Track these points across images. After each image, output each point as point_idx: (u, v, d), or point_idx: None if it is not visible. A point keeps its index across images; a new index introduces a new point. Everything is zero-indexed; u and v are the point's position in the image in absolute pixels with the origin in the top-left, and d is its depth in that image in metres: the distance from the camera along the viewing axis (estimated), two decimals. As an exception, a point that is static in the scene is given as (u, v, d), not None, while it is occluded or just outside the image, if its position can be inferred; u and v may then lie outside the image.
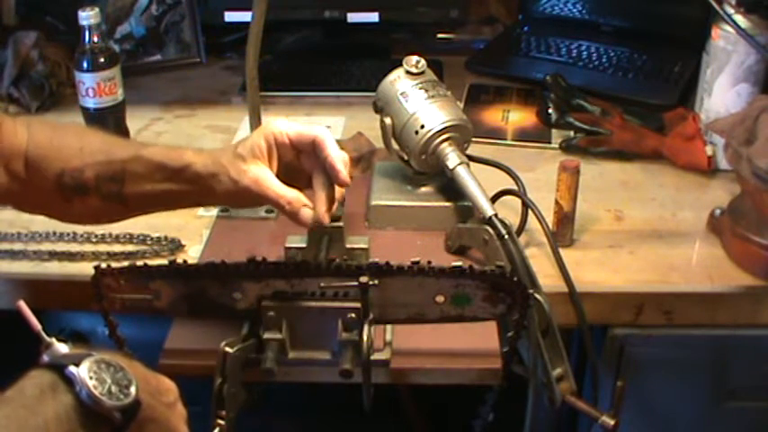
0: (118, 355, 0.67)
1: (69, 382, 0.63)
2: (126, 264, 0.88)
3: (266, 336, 0.88)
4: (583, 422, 1.19)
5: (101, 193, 0.87)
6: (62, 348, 0.65)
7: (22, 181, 0.87)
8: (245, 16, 1.30)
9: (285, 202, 0.85)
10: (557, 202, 1.11)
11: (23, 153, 0.87)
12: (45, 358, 0.65)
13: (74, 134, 0.90)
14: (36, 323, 0.67)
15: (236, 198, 0.87)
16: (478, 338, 0.95)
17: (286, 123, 0.88)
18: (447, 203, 1.16)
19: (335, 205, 0.90)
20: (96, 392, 0.62)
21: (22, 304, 0.68)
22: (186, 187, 0.88)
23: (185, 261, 0.87)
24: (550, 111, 1.41)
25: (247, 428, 0.94)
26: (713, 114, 1.28)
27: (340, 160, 0.86)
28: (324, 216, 0.87)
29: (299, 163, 0.89)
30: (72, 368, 0.63)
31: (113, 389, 0.64)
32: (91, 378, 0.63)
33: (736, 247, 1.10)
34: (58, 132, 0.90)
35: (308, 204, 0.86)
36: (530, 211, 1.11)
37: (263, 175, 0.86)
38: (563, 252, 1.08)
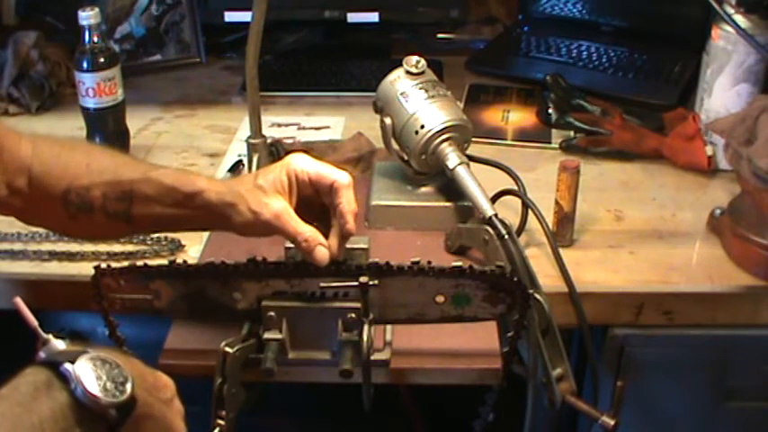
0: (114, 352, 0.67)
1: (64, 379, 0.63)
2: (126, 264, 0.88)
3: (266, 336, 0.88)
4: (583, 422, 1.19)
5: (107, 212, 0.87)
6: (59, 345, 0.65)
7: (25, 196, 0.86)
8: (245, 16, 1.30)
9: (302, 239, 0.85)
10: (557, 202, 1.11)
11: (27, 169, 0.86)
12: (41, 355, 0.65)
13: (81, 151, 0.90)
14: (33, 319, 0.67)
15: (252, 229, 0.87)
16: (478, 338, 0.95)
17: (308, 161, 0.89)
18: (447, 203, 1.16)
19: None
20: (91, 390, 0.62)
21: (19, 301, 0.68)
22: (196, 213, 0.87)
23: (185, 261, 0.87)
24: (550, 111, 1.41)
25: (247, 428, 0.94)
26: (713, 114, 1.28)
27: (350, 211, 0.87)
28: (337, 250, 0.87)
29: (317, 198, 0.89)
30: (67, 365, 0.63)
31: (109, 386, 0.63)
32: (86, 375, 0.63)
33: (736, 247, 1.10)
34: (65, 149, 0.89)
35: (324, 243, 0.86)
36: (530, 211, 1.11)
37: (284, 210, 0.85)
38: (563, 252, 1.08)
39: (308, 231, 0.86)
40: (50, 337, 0.65)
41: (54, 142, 0.90)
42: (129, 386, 0.65)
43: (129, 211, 0.87)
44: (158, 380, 0.72)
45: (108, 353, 0.66)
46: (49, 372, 0.63)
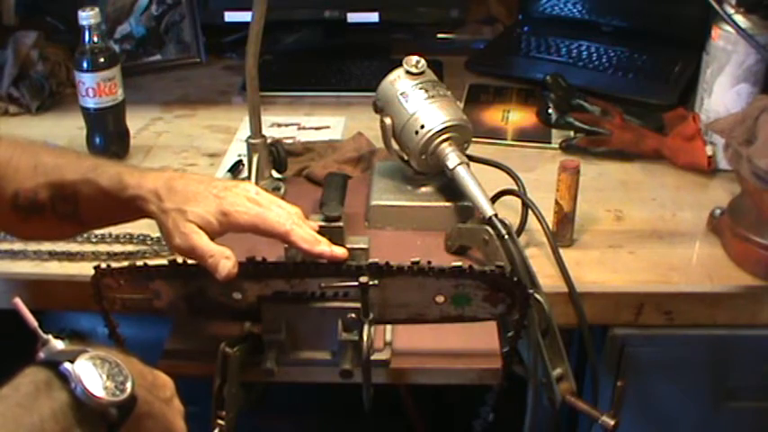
0: (114, 351, 0.67)
1: (64, 379, 0.62)
2: (126, 264, 0.89)
3: (266, 336, 0.88)
4: (583, 422, 1.19)
5: (57, 213, 0.87)
6: (58, 345, 0.65)
7: None
8: (245, 16, 1.30)
9: (208, 256, 0.84)
10: (557, 202, 1.11)
11: None
12: (41, 355, 0.64)
13: (31, 152, 0.89)
14: (32, 320, 0.67)
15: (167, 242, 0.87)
16: (478, 338, 0.95)
17: (252, 214, 0.86)
18: (447, 203, 1.16)
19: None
20: (91, 389, 0.62)
21: (18, 301, 0.68)
22: (136, 216, 0.88)
23: (185, 261, 0.87)
24: (550, 111, 1.41)
25: (247, 428, 0.94)
26: (713, 114, 1.28)
27: (316, 246, 0.86)
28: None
29: None
30: (67, 365, 0.63)
31: (109, 385, 0.63)
32: (86, 374, 0.62)
33: (736, 247, 1.10)
34: (18, 151, 0.88)
35: (231, 257, 0.84)
36: (530, 211, 1.11)
37: (195, 233, 0.84)
38: (563, 252, 1.08)
39: (214, 248, 0.84)
40: (50, 337, 0.65)
41: (11, 144, 0.89)
42: (129, 385, 0.65)
43: (77, 211, 0.87)
44: (158, 378, 0.72)
45: (107, 352, 0.66)
46: (48, 371, 0.63)
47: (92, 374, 0.63)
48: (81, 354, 0.64)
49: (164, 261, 0.88)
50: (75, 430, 0.62)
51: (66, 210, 0.87)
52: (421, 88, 1.14)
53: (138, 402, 0.66)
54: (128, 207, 0.86)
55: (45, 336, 0.65)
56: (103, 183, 0.86)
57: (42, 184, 0.86)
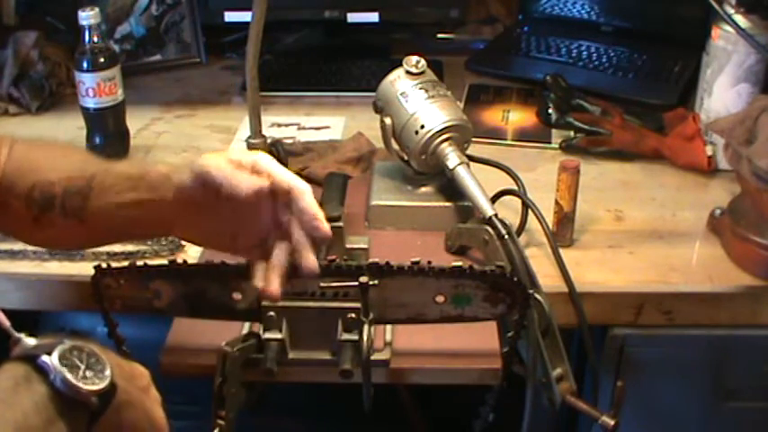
0: (89, 342, 0.67)
1: (43, 371, 0.63)
2: (126, 264, 0.88)
3: (266, 336, 0.88)
4: (583, 422, 1.19)
5: (64, 208, 0.83)
6: (31, 341, 0.65)
7: None
8: (245, 16, 1.30)
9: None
10: (557, 202, 1.11)
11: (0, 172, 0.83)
12: (16, 352, 0.64)
13: (53, 149, 0.87)
14: (5, 319, 0.67)
15: (188, 192, 0.80)
16: (478, 338, 0.95)
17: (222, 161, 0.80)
18: (447, 203, 1.16)
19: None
20: (71, 379, 0.62)
21: None
22: (147, 196, 0.81)
23: (185, 261, 0.87)
24: (550, 111, 1.41)
25: (247, 428, 0.94)
26: (713, 114, 1.28)
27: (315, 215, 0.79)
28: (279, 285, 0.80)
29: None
30: (44, 357, 0.63)
31: (88, 374, 0.64)
32: (64, 365, 0.63)
33: (736, 247, 1.10)
34: (35, 147, 0.86)
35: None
36: (530, 211, 1.11)
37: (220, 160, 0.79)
38: (563, 252, 1.08)
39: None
40: (22, 336, 0.65)
41: (32, 142, 0.87)
42: (108, 373, 0.65)
43: (84, 205, 0.82)
44: (134, 368, 0.72)
45: (83, 342, 0.66)
46: (26, 366, 0.63)
47: (70, 365, 0.63)
48: (57, 345, 0.64)
49: (164, 261, 0.88)
50: (57, 421, 0.62)
51: (73, 204, 0.82)
52: (421, 88, 1.14)
53: (118, 391, 0.66)
54: (141, 184, 0.81)
55: (17, 335, 0.65)
56: (124, 168, 0.83)
57: (62, 177, 0.83)
